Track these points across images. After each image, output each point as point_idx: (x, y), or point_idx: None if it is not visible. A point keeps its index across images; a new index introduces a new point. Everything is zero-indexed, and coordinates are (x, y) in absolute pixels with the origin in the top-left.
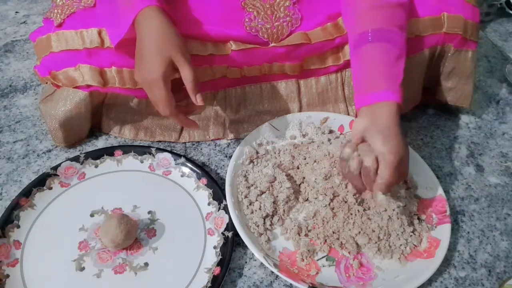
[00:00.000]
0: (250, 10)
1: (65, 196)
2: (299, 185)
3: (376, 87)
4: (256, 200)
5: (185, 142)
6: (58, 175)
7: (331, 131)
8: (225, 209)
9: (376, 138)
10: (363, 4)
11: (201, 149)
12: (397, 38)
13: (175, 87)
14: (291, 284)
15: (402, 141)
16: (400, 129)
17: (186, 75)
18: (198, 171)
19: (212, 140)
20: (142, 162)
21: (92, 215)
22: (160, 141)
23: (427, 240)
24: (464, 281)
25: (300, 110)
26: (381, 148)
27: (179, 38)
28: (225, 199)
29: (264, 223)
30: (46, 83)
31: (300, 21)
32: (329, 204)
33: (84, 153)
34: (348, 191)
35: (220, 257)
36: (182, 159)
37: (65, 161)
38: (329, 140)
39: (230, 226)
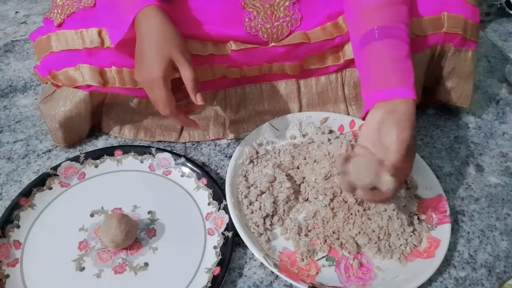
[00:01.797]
0: (250, 10)
1: (65, 196)
2: (299, 185)
3: (390, 83)
4: (256, 200)
5: (185, 142)
6: (58, 175)
7: (331, 131)
8: (225, 209)
9: (392, 129)
10: (367, 3)
11: (201, 149)
12: (403, 34)
13: (175, 86)
14: (291, 284)
15: (414, 140)
16: (415, 126)
17: (186, 74)
18: (198, 171)
19: (212, 140)
20: (142, 162)
21: (92, 215)
22: (160, 141)
23: (427, 240)
24: (464, 281)
25: (300, 110)
26: (394, 137)
27: (179, 38)
28: (225, 199)
29: (264, 223)
30: (46, 83)
31: (300, 21)
32: (329, 204)
33: (84, 153)
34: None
35: (220, 257)
36: (182, 159)
37: (65, 161)
38: (329, 140)
39: (230, 226)
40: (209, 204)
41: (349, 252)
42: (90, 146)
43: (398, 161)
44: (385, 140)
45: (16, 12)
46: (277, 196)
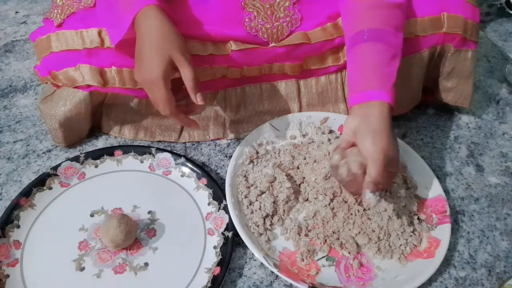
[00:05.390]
0: (250, 10)
1: (65, 196)
2: (299, 185)
3: (368, 85)
4: (256, 200)
5: (185, 142)
6: (58, 175)
7: (331, 131)
8: (225, 209)
9: (365, 138)
10: (361, 4)
11: (201, 149)
12: (392, 39)
13: (175, 86)
14: (291, 284)
15: (392, 142)
16: (391, 130)
17: (186, 74)
18: (198, 171)
19: (212, 140)
20: (142, 162)
21: (92, 215)
22: (160, 141)
23: (427, 240)
24: (464, 281)
25: (300, 110)
26: (370, 147)
27: (179, 38)
28: (225, 199)
29: (264, 223)
30: (46, 83)
31: (300, 21)
32: (329, 204)
33: (84, 153)
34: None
35: (220, 257)
36: (182, 159)
37: (65, 161)
38: (329, 140)
39: (230, 226)
40: (209, 204)
41: (349, 252)
42: (90, 146)
43: (379, 175)
44: (361, 150)
45: (16, 12)
46: (277, 196)
